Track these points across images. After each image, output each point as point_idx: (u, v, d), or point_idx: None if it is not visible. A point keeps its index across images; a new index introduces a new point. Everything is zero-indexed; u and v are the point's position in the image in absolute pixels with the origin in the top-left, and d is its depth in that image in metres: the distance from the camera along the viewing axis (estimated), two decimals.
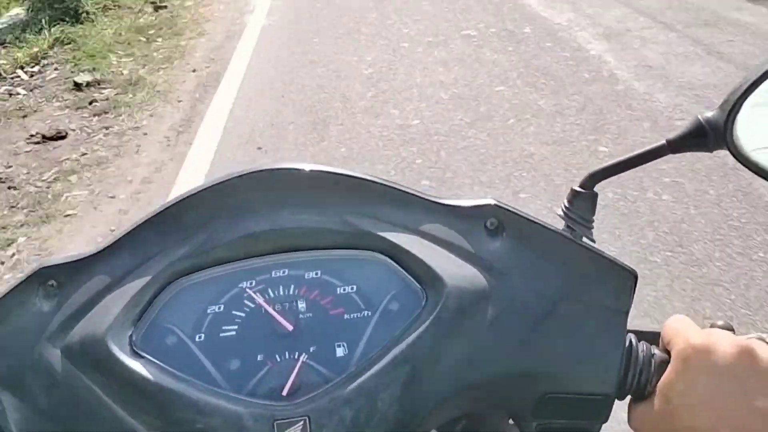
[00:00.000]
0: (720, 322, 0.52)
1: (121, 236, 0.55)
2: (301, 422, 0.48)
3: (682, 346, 0.49)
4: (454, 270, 0.53)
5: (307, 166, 0.55)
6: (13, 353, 0.52)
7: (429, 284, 0.52)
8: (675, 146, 0.54)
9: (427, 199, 0.56)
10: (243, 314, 0.53)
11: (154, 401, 0.48)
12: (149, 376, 0.49)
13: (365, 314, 0.53)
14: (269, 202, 0.55)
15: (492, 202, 0.56)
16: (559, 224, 0.58)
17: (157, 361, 0.50)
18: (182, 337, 0.52)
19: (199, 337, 0.52)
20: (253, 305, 0.53)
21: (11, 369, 0.52)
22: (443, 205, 0.56)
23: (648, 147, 0.55)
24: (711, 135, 0.53)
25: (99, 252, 0.55)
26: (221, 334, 0.52)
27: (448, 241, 0.55)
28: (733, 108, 0.51)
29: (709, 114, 0.53)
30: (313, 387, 0.50)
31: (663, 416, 0.49)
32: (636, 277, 0.55)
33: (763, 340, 0.48)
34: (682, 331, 0.50)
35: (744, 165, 0.52)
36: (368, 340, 0.52)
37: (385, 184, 0.56)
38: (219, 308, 0.53)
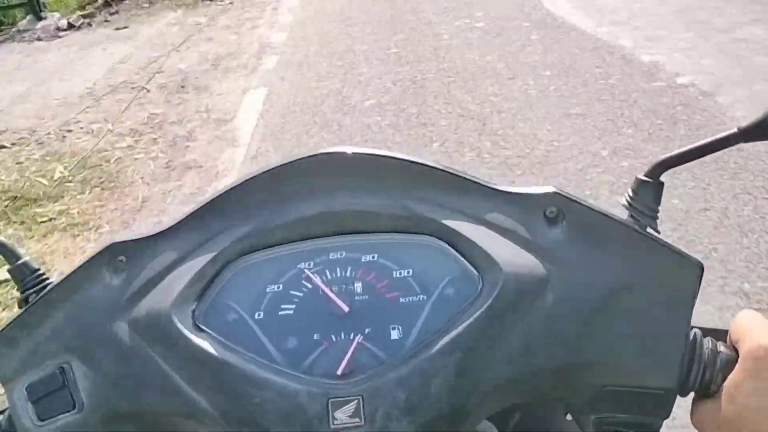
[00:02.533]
0: None
1: (187, 216, 0.57)
2: (355, 401, 0.48)
3: (752, 345, 0.47)
4: (512, 257, 0.52)
5: (364, 150, 0.56)
6: (84, 325, 0.55)
7: (486, 270, 0.52)
8: (747, 134, 0.52)
9: (485, 185, 0.56)
10: (301, 294, 0.54)
11: (214, 374, 0.50)
12: (210, 350, 0.50)
13: (421, 298, 0.53)
14: (327, 186, 0.56)
15: (552, 189, 0.55)
16: (623, 214, 0.56)
17: (218, 336, 0.52)
18: (242, 314, 0.53)
19: (258, 315, 0.53)
20: (310, 286, 0.54)
21: (82, 339, 0.55)
22: (502, 191, 0.56)
23: (718, 135, 0.53)
24: None
25: (166, 230, 0.57)
26: (279, 313, 0.53)
27: (506, 228, 0.54)
28: None
29: None
30: (368, 368, 0.50)
31: (728, 416, 0.48)
32: (702, 269, 0.53)
33: None
34: (752, 329, 0.48)
35: None
36: (423, 324, 0.52)
37: (442, 169, 0.56)
38: (278, 287, 0.54)
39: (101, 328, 0.54)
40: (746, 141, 0.52)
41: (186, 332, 0.51)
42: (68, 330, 0.55)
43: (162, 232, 0.57)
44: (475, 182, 0.56)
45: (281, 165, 0.56)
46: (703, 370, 0.51)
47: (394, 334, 0.52)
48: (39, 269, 0.60)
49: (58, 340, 0.55)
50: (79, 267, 0.57)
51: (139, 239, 0.57)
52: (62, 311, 0.56)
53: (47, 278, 0.60)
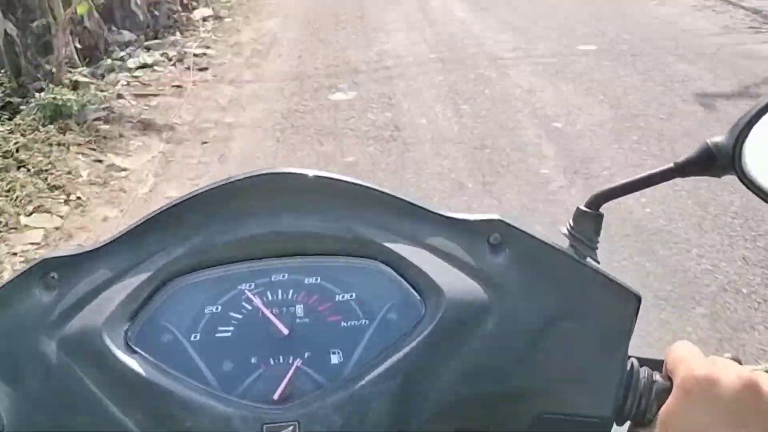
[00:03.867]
0: (727, 354, 0.51)
1: (124, 233, 0.55)
2: (291, 427, 0.47)
3: (685, 375, 0.48)
4: (455, 283, 0.52)
5: (310, 172, 0.56)
6: (10, 341, 0.52)
7: (429, 296, 0.52)
8: (682, 170, 0.54)
9: (431, 212, 0.56)
10: (240, 316, 0.53)
11: (145, 397, 0.48)
12: (141, 372, 0.49)
13: (363, 322, 0.52)
14: (271, 206, 0.55)
15: (496, 217, 0.56)
16: (564, 243, 0.57)
17: (151, 358, 0.50)
18: (177, 336, 0.52)
19: (195, 337, 0.52)
20: (250, 307, 0.53)
21: (6, 357, 0.52)
22: (447, 218, 0.56)
23: (655, 170, 0.55)
24: (719, 160, 0.52)
25: (101, 247, 0.55)
26: (217, 335, 0.52)
27: (450, 254, 0.54)
28: (741, 134, 0.50)
29: (718, 139, 0.52)
30: (306, 392, 0.49)
31: None
32: (640, 301, 0.54)
33: None
34: (686, 359, 0.49)
35: (752, 191, 0.52)
36: (364, 348, 0.51)
37: (389, 194, 0.56)
38: (216, 309, 0.53)
39: (27, 346, 0.52)
40: (683, 176, 0.54)
41: (117, 352, 0.49)
42: None
43: (97, 248, 0.55)
44: (421, 208, 0.56)
45: (224, 184, 0.55)
46: (639, 399, 0.51)
47: (334, 359, 0.51)
48: None
49: None
50: (8, 282, 0.55)
51: (72, 255, 0.55)
52: None
53: None
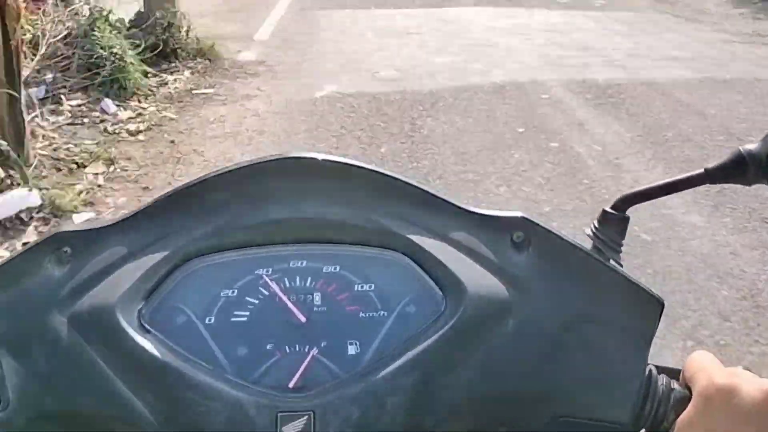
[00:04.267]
0: (741, 367, 0.50)
1: (142, 209, 0.54)
2: (306, 416, 0.46)
3: (704, 384, 0.47)
4: (477, 279, 0.51)
5: (335, 158, 0.55)
6: (19, 317, 0.51)
7: (450, 290, 0.51)
8: (713, 176, 0.53)
9: (455, 206, 0.55)
10: (256, 301, 0.52)
11: (157, 379, 0.47)
12: (155, 353, 0.48)
13: (381, 314, 0.51)
14: (295, 191, 0.54)
15: (520, 214, 0.55)
16: (588, 244, 0.56)
17: (165, 339, 0.49)
18: (192, 318, 0.51)
19: (209, 320, 0.51)
20: (267, 293, 0.52)
21: (15, 333, 0.51)
22: (471, 213, 0.55)
23: (686, 174, 0.54)
24: (751, 168, 0.52)
25: (117, 222, 0.54)
26: (232, 319, 0.51)
27: (473, 249, 0.53)
28: None
29: (751, 146, 0.52)
30: (321, 382, 0.48)
31: None
32: (663, 306, 0.53)
33: None
34: (706, 369, 0.48)
35: None
36: (382, 340, 0.50)
37: (413, 185, 0.55)
38: (232, 293, 0.52)
39: (37, 322, 0.50)
40: (712, 182, 0.53)
41: (130, 332, 0.48)
42: (0, 322, 0.51)
43: (113, 224, 0.54)
44: (445, 201, 0.55)
45: (247, 165, 0.54)
46: (657, 407, 0.51)
47: (351, 350, 0.50)
48: None
49: None
50: (19, 254, 0.53)
51: (87, 230, 0.54)
52: None
53: None
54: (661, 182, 0.55)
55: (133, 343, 0.48)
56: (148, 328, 0.49)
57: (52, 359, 0.49)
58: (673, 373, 0.53)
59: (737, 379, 0.46)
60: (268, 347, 0.50)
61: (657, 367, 0.54)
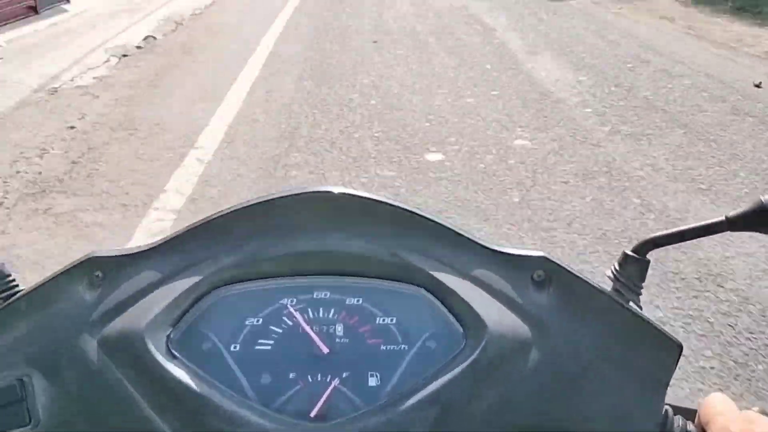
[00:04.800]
0: (756, 408, 0.50)
1: (172, 237, 0.56)
2: None
3: (719, 429, 0.47)
4: (497, 317, 0.52)
5: (360, 193, 0.56)
6: (51, 338, 0.53)
7: (470, 327, 0.51)
8: (734, 224, 0.54)
9: (477, 243, 0.56)
10: (280, 330, 0.53)
11: (184, 403, 0.48)
12: (181, 378, 0.49)
13: (402, 348, 0.52)
14: (320, 224, 0.55)
15: (542, 254, 0.56)
16: (607, 285, 0.57)
17: (191, 365, 0.50)
18: (218, 345, 0.52)
19: (234, 347, 0.52)
20: (291, 323, 0.53)
21: (47, 354, 0.52)
22: (492, 250, 0.56)
23: (706, 221, 0.55)
24: None
25: (148, 249, 0.56)
26: (256, 347, 0.52)
27: (494, 287, 0.54)
28: None
29: None
30: (342, 413, 0.49)
31: None
32: (681, 349, 0.54)
33: None
34: (722, 414, 0.49)
35: None
36: (402, 373, 0.51)
37: (437, 222, 0.56)
38: (257, 321, 0.53)
39: (68, 344, 0.52)
40: (733, 230, 0.54)
41: (158, 357, 0.49)
42: (33, 342, 0.53)
43: (144, 251, 0.56)
44: (467, 238, 0.56)
45: (273, 198, 0.56)
46: None
47: (372, 381, 0.51)
48: (10, 275, 0.58)
49: (20, 350, 0.52)
50: (53, 277, 0.55)
51: (119, 256, 0.56)
52: (29, 321, 0.54)
53: (17, 285, 0.58)
54: (681, 228, 0.55)
55: (161, 368, 0.49)
56: (176, 353, 0.50)
57: (82, 381, 0.51)
58: (689, 414, 0.53)
59: (752, 426, 0.46)
60: (291, 376, 0.51)
61: (673, 407, 0.54)
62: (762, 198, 0.53)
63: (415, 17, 8.33)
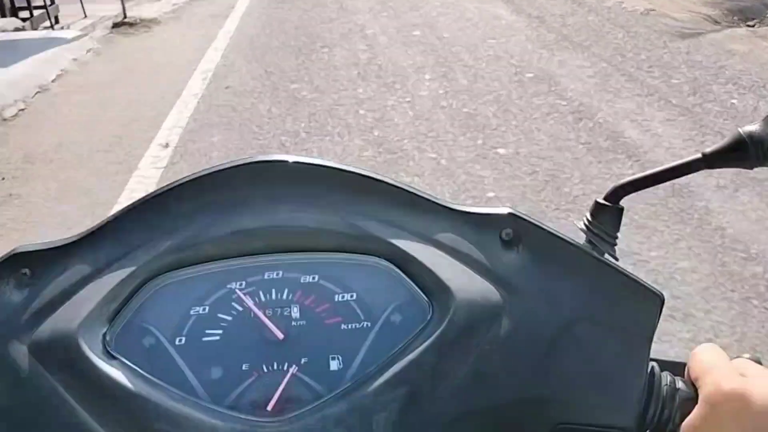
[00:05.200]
0: (746, 355, 0.47)
1: (103, 224, 0.51)
2: None
3: (712, 389, 0.44)
4: (465, 282, 0.48)
5: (307, 160, 0.51)
6: None
7: (436, 296, 0.48)
8: (711, 160, 0.50)
9: (438, 204, 0.52)
10: (230, 318, 0.48)
11: (125, 408, 0.44)
12: (121, 380, 0.44)
13: (364, 325, 0.48)
14: (265, 197, 0.51)
15: (508, 210, 0.52)
16: (580, 238, 0.53)
17: (132, 364, 0.46)
18: (161, 340, 0.47)
19: (180, 341, 0.48)
20: (241, 308, 0.49)
21: None
22: (455, 211, 0.52)
23: (681, 161, 0.51)
24: (752, 150, 0.48)
25: (78, 240, 0.51)
26: (204, 339, 0.48)
27: (459, 250, 0.50)
28: None
29: (752, 127, 0.49)
30: (302, 403, 0.45)
31: None
32: (663, 301, 0.50)
33: None
34: (713, 369, 0.46)
35: None
36: (366, 354, 0.47)
37: (392, 184, 0.51)
38: (203, 310, 0.49)
39: None
40: (710, 167, 0.50)
41: (94, 358, 0.45)
42: None
43: (74, 242, 0.51)
44: (428, 200, 0.52)
45: (213, 172, 0.51)
46: (662, 408, 0.48)
47: (334, 365, 0.47)
48: None
49: None
50: None
51: (47, 249, 0.50)
52: None
53: None
54: (655, 170, 0.52)
55: (98, 371, 0.44)
56: (113, 353, 0.46)
57: (12, 391, 0.46)
58: (678, 368, 0.50)
59: (747, 383, 0.44)
60: (243, 368, 0.47)
61: (660, 362, 0.51)
62: (740, 130, 0.49)
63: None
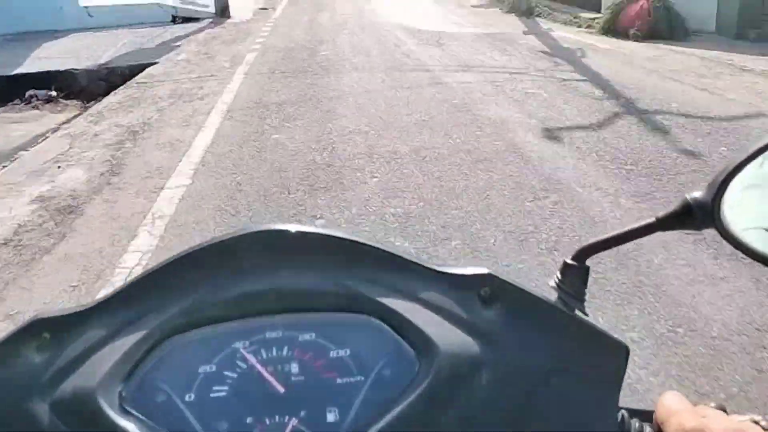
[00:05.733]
0: (713, 404, 0.52)
1: (118, 291, 0.55)
2: None
3: (675, 428, 0.49)
4: (448, 337, 0.53)
5: (303, 228, 0.57)
6: (0, 405, 0.52)
7: (423, 351, 0.52)
8: (664, 224, 0.55)
9: (422, 266, 0.57)
10: (235, 375, 0.53)
11: None
12: None
13: (358, 379, 0.53)
14: (265, 263, 0.56)
15: (486, 271, 0.57)
16: (553, 295, 0.58)
17: (146, 419, 0.50)
18: (172, 396, 0.52)
19: (189, 397, 0.52)
20: (245, 366, 0.53)
21: None
22: (438, 272, 0.57)
23: (638, 224, 0.57)
24: (698, 214, 0.53)
25: (95, 305, 0.55)
26: (212, 395, 0.52)
27: (443, 308, 0.55)
28: (719, 188, 0.52)
29: (697, 194, 0.54)
30: None
31: None
32: (628, 351, 0.55)
33: (756, 423, 0.48)
34: (678, 413, 0.50)
35: (732, 245, 0.53)
36: (360, 406, 0.51)
37: (381, 249, 0.57)
38: (211, 368, 0.53)
39: (19, 410, 0.51)
40: (663, 230, 0.56)
41: (111, 414, 0.49)
42: None
43: (91, 307, 0.55)
44: (413, 262, 0.57)
45: (217, 242, 0.56)
46: None
47: (330, 417, 0.51)
48: None
49: None
50: None
51: (66, 315, 0.55)
52: None
53: None
54: (616, 233, 0.57)
55: (114, 426, 0.48)
56: (129, 409, 0.50)
57: None
58: (646, 416, 0.55)
59: (706, 422, 0.48)
60: (248, 421, 0.51)
61: (629, 410, 0.55)
62: (687, 196, 0.55)
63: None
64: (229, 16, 13.41)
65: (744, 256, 0.55)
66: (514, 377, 0.53)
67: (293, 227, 0.56)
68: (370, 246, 0.57)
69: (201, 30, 11.88)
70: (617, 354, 0.55)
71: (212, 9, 13.41)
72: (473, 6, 15.02)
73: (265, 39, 10.50)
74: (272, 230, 0.56)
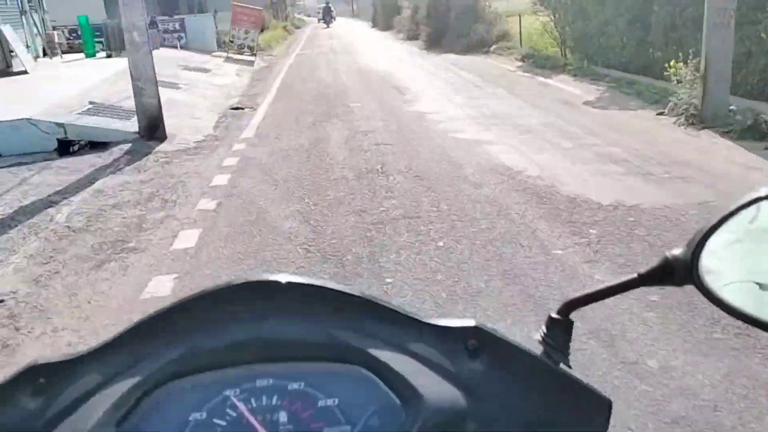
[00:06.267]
0: None
1: (113, 339, 0.57)
2: None
3: None
4: (434, 388, 0.54)
5: (291, 279, 0.58)
6: None
7: (409, 401, 0.53)
8: (645, 280, 0.57)
9: (411, 317, 0.58)
10: (224, 423, 0.53)
11: None
12: None
13: (345, 429, 0.53)
14: (254, 312, 0.57)
15: (473, 323, 0.58)
16: (538, 349, 0.59)
17: None
18: None
19: None
20: (235, 414, 0.54)
21: None
22: (426, 324, 0.58)
23: (621, 279, 0.58)
24: (678, 271, 0.55)
25: (90, 353, 0.56)
26: None
27: (429, 359, 0.56)
28: (697, 246, 0.54)
29: (676, 251, 0.55)
30: None
31: None
32: (611, 405, 0.56)
33: None
34: None
35: (710, 301, 0.55)
36: None
37: (369, 300, 0.58)
38: (201, 415, 0.54)
39: None
40: (645, 285, 0.57)
41: None
42: None
43: (86, 354, 0.56)
44: (402, 314, 0.58)
45: (207, 293, 0.57)
46: None
47: None
48: None
49: None
50: None
51: (61, 361, 0.56)
52: None
53: None
54: (599, 288, 0.59)
55: None
56: None
57: None
58: None
59: None
60: None
61: None
62: (667, 254, 0.56)
63: None
64: (163, 137, 6.86)
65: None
66: (499, 430, 0.54)
67: (284, 278, 0.58)
68: (359, 297, 0.58)
69: (88, 182, 5.34)
70: (600, 408, 0.56)
71: (133, 126, 6.96)
72: (589, 104, 8.15)
73: (215, 216, 4.39)
74: (263, 281, 0.58)
